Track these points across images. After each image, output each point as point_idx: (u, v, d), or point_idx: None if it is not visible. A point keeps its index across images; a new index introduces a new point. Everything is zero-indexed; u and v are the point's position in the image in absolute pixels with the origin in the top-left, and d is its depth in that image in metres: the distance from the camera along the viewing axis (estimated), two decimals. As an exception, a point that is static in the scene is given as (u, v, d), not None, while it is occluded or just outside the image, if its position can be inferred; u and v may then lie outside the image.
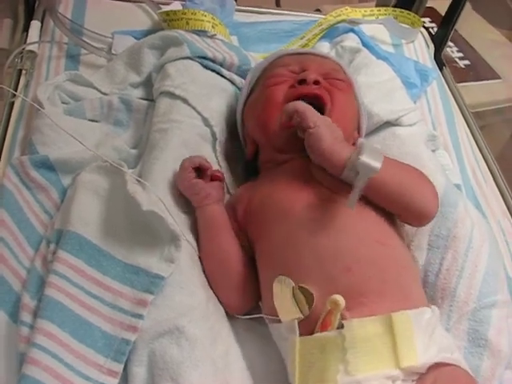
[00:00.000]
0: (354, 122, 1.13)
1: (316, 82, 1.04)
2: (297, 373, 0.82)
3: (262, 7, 1.68)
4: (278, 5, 2.32)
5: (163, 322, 0.85)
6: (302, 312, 0.85)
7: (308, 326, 0.84)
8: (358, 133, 1.15)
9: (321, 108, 1.02)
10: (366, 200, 0.92)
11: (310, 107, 0.95)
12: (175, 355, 0.82)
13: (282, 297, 0.87)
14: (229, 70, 1.28)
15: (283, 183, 0.99)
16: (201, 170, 1.03)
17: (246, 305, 0.98)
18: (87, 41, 1.37)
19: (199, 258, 0.99)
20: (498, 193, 1.38)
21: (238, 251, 1.00)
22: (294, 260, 0.89)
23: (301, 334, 0.83)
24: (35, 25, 1.42)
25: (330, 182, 0.94)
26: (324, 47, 1.48)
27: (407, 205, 0.94)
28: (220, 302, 0.97)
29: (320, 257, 0.87)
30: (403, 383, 0.78)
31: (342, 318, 0.81)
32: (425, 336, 0.81)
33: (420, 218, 0.97)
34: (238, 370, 0.88)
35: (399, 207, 0.95)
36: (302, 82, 1.05)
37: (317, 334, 0.82)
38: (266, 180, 1.04)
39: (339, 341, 0.79)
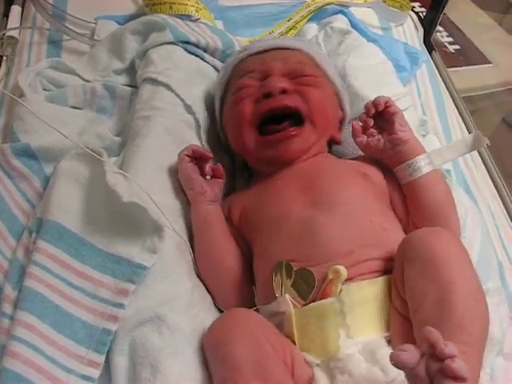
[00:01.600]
0: (335, 108, 1.11)
1: (283, 91, 1.01)
2: (297, 345, 0.82)
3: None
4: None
5: (144, 311, 0.84)
6: (303, 293, 0.85)
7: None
8: (342, 110, 1.14)
9: (297, 116, 1.01)
10: (376, 194, 0.97)
11: None
12: (156, 343, 0.81)
13: (282, 280, 0.87)
14: (212, 54, 1.26)
15: (278, 189, 0.99)
16: (202, 161, 1.02)
17: (242, 303, 0.95)
18: (69, 26, 1.35)
19: (191, 247, 0.98)
20: (488, 177, 1.37)
21: (232, 250, 0.99)
22: (295, 252, 0.89)
23: None
24: (15, 10, 1.40)
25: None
26: (312, 28, 1.47)
27: (436, 216, 0.96)
28: (214, 300, 0.96)
29: (321, 246, 0.88)
30: None
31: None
32: None
33: None
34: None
35: (427, 215, 0.96)
36: (268, 94, 1.01)
37: (312, 303, 0.83)
38: (259, 188, 1.03)
39: (337, 306, 0.81)
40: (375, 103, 1.01)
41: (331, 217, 0.91)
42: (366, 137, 1.03)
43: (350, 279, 0.83)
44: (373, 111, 1.01)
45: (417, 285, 0.76)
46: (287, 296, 0.85)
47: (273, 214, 0.95)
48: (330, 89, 1.10)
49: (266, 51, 1.10)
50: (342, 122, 1.13)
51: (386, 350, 0.77)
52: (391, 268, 0.86)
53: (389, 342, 0.80)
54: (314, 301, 0.84)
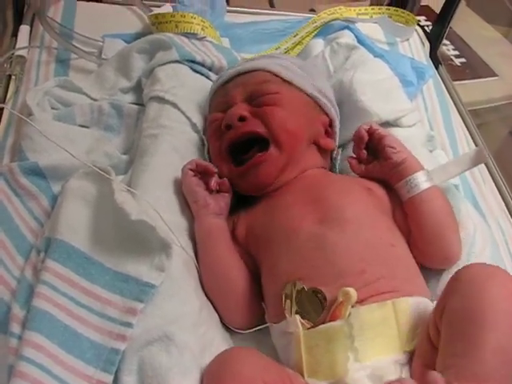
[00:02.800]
0: (307, 118, 1.07)
1: (241, 119, 1.01)
2: (304, 367, 0.81)
3: (255, 8, 1.68)
4: (271, 5, 2.31)
5: (152, 330, 0.83)
6: (312, 315, 0.84)
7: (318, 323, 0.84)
8: (328, 115, 1.11)
9: (262, 140, 1.01)
10: (381, 209, 0.97)
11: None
12: (164, 362, 0.80)
13: (292, 300, 0.86)
14: (217, 73, 1.27)
15: (285, 205, 0.98)
16: (207, 175, 1.02)
17: (250, 321, 0.95)
18: (77, 45, 1.36)
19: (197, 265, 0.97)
20: (497, 191, 1.36)
21: (238, 265, 0.97)
22: (306, 269, 0.88)
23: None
24: (24, 29, 1.41)
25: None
26: (318, 44, 1.47)
27: (436, 235, 0.95)
28: (220, 317, 0.95)
29: (333, 264, 0.87)
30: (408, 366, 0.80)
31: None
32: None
33: (440, 256, 0.98)
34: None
35: (427, 234, 0.96)
36: (229, 126, 1.02)
37: (321, 326, 0.82)
38: (264, 204, 1.02)
39: (346, 329, 0.80)
40: (359, 135, 1.02)
41: (342, 234, 0.90)
42: (363, 165, 1.04)
43: (359, 302, 0.82)
44: (362, 144, 1.03)
45: (454, 319, 0.74)
46: (297, 317, 0.84)
47: (282, 230, 0.94)
48: (297, 100, 1.07)
49: (228, 81, 1.09)
50: (330, 125, 1.11)
51: (395, 377, 0.77)
52: (400, 287, 0.85)
53: (401, 365, 0.79)
54: (323, 322, 0.83)
